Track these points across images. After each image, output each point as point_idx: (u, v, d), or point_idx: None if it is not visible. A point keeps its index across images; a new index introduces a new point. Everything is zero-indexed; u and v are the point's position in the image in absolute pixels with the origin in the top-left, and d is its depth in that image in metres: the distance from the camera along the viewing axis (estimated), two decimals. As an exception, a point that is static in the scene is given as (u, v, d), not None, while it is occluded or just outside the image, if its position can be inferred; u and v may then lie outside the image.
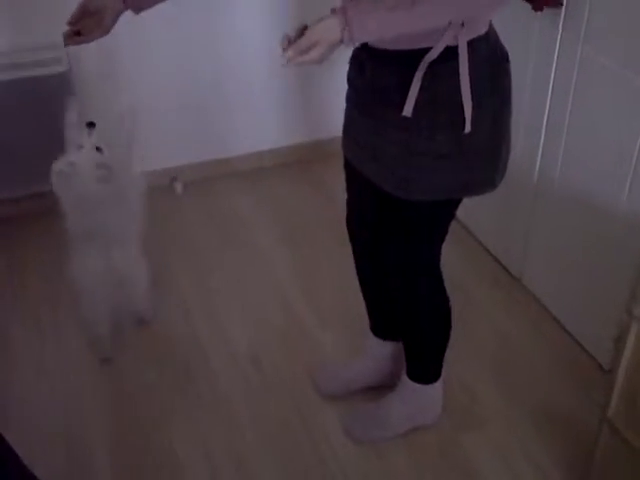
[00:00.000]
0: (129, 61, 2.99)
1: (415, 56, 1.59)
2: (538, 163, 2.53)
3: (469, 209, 2.95)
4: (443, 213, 1.86)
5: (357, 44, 1.49)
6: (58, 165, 2.18)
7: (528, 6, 2.31)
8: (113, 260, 2.33)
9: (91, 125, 2.22)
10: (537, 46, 2.39)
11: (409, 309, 2.05)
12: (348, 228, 2.10)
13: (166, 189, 3.34)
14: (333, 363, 2.43)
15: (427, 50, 1.58)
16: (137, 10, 1.75)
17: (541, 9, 2.28)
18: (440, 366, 2.15)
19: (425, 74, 1.60)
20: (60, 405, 2.35)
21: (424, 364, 2.16)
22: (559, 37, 2.30)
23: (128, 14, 1.71)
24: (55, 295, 2.73)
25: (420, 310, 2.04)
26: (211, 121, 3.31)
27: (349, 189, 2.04)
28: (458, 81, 1.60)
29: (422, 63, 1.59)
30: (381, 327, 2.26)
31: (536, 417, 2.28)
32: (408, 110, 1.62)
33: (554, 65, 2.35)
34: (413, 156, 1.69)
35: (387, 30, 1.49)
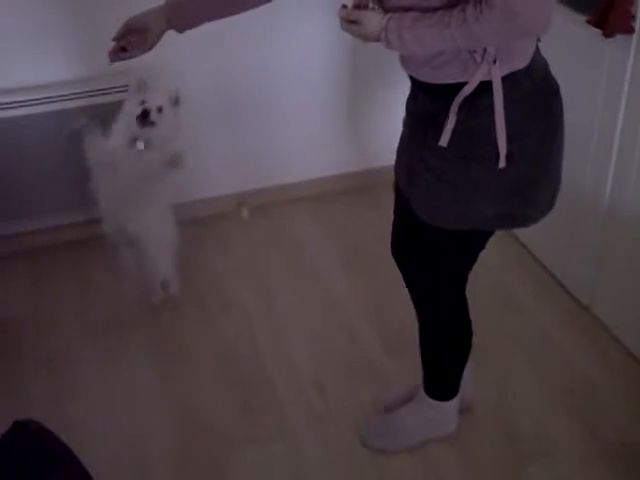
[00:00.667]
0: (195, 88, 3.05)
1: (454, 90, 1.61)
2: (609, 189, 2.48)
3: (536, 235, 2.95)
4: (471, 242, 1.87)
5: (393, 48, 1.56)
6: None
7: (598, 32, 2.28)
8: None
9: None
10: (608, 73, 2.35)
11: (428, 330, 2.09)
12: (392, 248, 2.10)
13: (233, 214, 3.37)
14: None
15: (463, 84, 1.60)
16: (181, 30, 1.82)
17: (612, 35, 2.25)
18: (457, 385, 2.18)
19: (461, 107, 1.62)
20: (125, 424, 2.38)
21: (441, 382, 2.19)
22: (630, 64, 2.26)
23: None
24: (121, 316, 2.78)
25: (439, 333, 2.08)
26: (276, 147, 3.34)
27: (395, 211, 2.07)
28: (493, 116, 1.61)
29: (457, 97, 1.61)
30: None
31: (609, 453, 2.22)
32: (444, 141, 1.65)
33: (625, 91, 2.31)
34: (445, 185, 1.71)
35: (421, 46, 1.54)
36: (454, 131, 1.64)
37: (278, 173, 3.40)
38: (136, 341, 2.68)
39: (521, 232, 3.05)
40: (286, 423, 2.36)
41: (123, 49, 1.81)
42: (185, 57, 2.85)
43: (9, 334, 2.73)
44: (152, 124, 2.39)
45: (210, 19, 1.83)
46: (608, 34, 2.25)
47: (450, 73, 1.60)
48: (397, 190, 1.99)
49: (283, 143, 3.35)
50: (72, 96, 2.84)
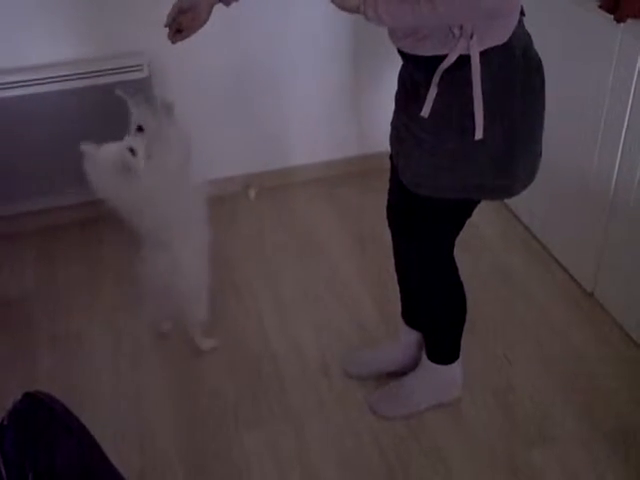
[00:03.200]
0: (202, 70, 3.05)
1: (435, 62, 1.65)
2: (615, 176, 2.48)
3: (541, 220, 2.95)
4: (456, 212, 1.92)
5: (371, 21, 1.59)
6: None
7: (610, 17, 2.27)
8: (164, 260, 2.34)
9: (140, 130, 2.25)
10: (618, 58, 2.34)
11: (422, 297, 2.17)
12: (387, 215, 2.15)
13: (240, 196, 3.38)
14: (363, 348, 2.54)
15: (445, 57, 1.64)
16: (227, 3, 1.88)
17: (624, 20, 2.24)
18: (458, 348, 2.25)
19: (442, 79, 1.66)
20: (130, 402, 2.40)
21: (441, 347, 2.26)
22: (642, 50, 2.26)
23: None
24: (128, 295, 2.80)
25: (433, 298, 2.14)
26: (284, 129, 3.34)
27: (390, 180, 2.11)
28: (471, 89, 1.64)
29: (438, 69, 1.65)
30: (407, 315, 2.36)
31: (611, 438, 2.24)
32: (425, 112, 1.71)
33: (635, 78, 2.30)
34: (427, 155, 1.77)
35: (395, 20, 1.57)
36: (435, 102, 1.69)
37: (285, 155, 3.41)
38: (143, 320, 2.69)
39: (526, 217, 3.05)
40: (291, 405, 2.38)
41: (178, 30, 1.87)
42: (194, 40, 2.85)
43: (18, 312, 2.75)
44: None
45: None
46: (620, 19, 2.25)
47: (431, 46, 1.64)
48: (391, 158, 2.05)
49: (291, 125, 3.35)
50: (81, 75, 2.84)
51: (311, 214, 3.27)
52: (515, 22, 1.65)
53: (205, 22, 1.87)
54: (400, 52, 1.78)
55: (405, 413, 2.31)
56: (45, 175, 2.96)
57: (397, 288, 2.31)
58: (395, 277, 2.26)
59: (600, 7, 2.29)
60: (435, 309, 2.17)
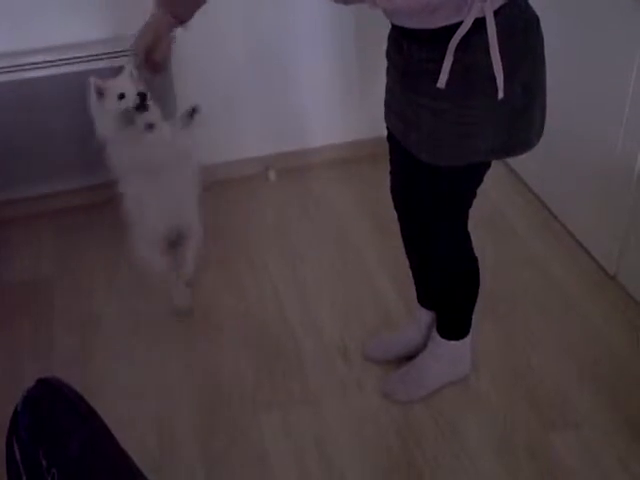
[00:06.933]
0: (224, 52, 3.03)
1: (449, 32, 1.63)
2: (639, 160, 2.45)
3: (564, 202, 2.91)
4: (470, 177, 1.92)
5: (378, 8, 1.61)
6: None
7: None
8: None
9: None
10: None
11: (437, 274, 2.17)
12: (392, 198, 2.15)
13: (260, 177, 3.37)
14: (382, 331, 2.54)
15: (457, 25, 1.61)
16: (187, 19, 1.88)
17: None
18: (469, 323, 2.25)
19: (457, 47, 1.64)
20: (147, 386, 2.40)
21: (453, 321, 2.27)
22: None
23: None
24: (146, 277, 2.77)
25: (447, 274, 2.14)
26: (304, 110, 3.32)
27: (392, 160, 2.10)
28: (488, 51, 1.63)
29: (453, 39, 1.63)
30: (421, 296, 2.36)
31: (634, 425, 2.21)
32: (442, 82, 1.68)
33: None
34: (447, 124, 1.76)
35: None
36: (452, 71, 1.67)
37: (306, 136, 3.39)
38: (160, 303, 2.69)
39: (547, 198, 3.01)
40: (309, 386, 2.38)
41: (155, 65, 1.91)
42: (211, 25, 2.83)
43: (35, 295, 2.76)
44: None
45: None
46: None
47: (444, 16, 1.62)
48: (392, 141, 2.04)
49: (312, 106, 3.33)
50: (97, 57, 2.83)
51: (331, 196, 3.26)
52: None
53: (171, 46, 1.91)
54: (402, 30, 1.75)
55: (421, 395, 2.30)
56: (61, 157, 2.96)
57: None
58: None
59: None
60: (450, 285, 2.17)
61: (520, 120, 1.77)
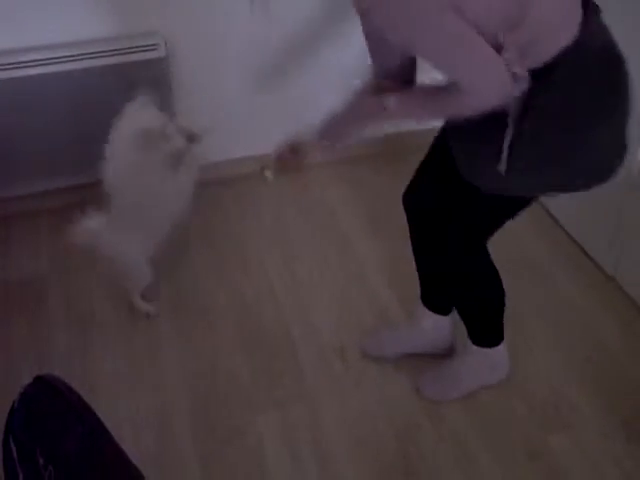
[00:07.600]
0: (223, 51, 3.03)
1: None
2: (638, 158, 2.43)
3: (562, 204, 2.91)
4: (512, 209, 1.92)
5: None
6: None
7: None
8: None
9: None
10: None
11: (460, 290, 2.17)
12: (408, 204, 2.15)
13: (256, 176, 3.35)
14: (380, 329, 2.54)
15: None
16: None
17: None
18: (500, 330, 2.24)
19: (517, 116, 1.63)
20: (144, 385, 2.40)
21: (483, 331, 2.26)
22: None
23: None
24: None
25: (473, 290, 2.15)
26: (300, 109, 3.31)
27: (427, 163, 2.10)
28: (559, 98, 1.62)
29: (509, 126, 1.63)
30: (429, 299, 2.35)
31: (630, 425, 2.22)
32: (502, 168, 1.68)
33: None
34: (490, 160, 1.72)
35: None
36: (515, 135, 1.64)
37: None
38: (157, 303, 2.68)
39: (547, 200, 3.01)
40: (306, 386, 2.37)
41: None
42: (212, 24, 2.83)
43: (33, 292, 2.75)
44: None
45: None
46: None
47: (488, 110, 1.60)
48: (440, 141, 2.01)
49: (308, 105, 3.32)
50: (95, 55, 2.81)
51: (328, 195, 3.25)
52: (566, 26, 1.59)
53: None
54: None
55: (452, 397, 2.31)
56: (60, 154, 2.94)
57: (413, 270, 2.29)
58: (411, 259, 2.25)
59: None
60: (476, 299, 2.18)
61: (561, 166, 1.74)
